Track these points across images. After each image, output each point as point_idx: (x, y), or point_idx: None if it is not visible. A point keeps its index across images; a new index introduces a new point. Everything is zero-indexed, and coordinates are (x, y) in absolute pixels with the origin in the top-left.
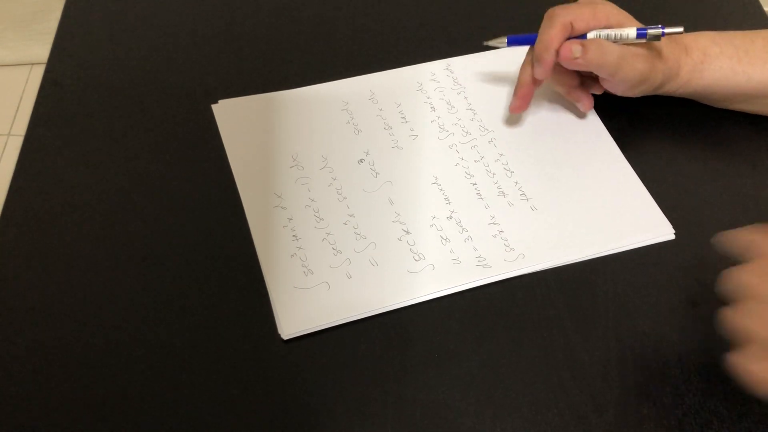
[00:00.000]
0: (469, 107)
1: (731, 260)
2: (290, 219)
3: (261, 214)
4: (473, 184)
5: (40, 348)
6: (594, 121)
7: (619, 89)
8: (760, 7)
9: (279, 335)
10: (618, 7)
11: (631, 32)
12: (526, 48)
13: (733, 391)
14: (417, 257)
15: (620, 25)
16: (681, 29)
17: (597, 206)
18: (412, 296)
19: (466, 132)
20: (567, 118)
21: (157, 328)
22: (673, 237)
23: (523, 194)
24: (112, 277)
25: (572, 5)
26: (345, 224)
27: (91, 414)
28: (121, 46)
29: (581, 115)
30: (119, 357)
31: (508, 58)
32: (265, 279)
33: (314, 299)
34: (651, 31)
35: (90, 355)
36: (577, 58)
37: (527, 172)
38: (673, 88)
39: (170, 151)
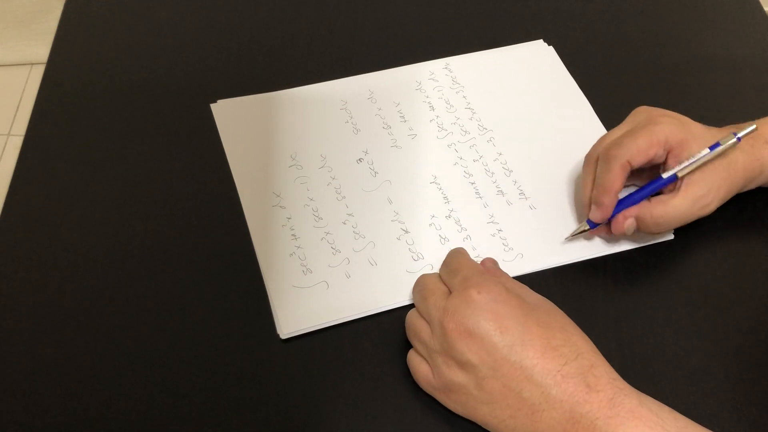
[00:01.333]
0: (468, 106)
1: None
2: (289, 218)
3: (260, 213)
4: (472, 183)
5: (40, 348)
6: (593, 120)
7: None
8: (760, 7)
9: (277, 334)
10: (678, 119)
11: (702, 154)
12: (528, 48)
13: (732, 391)
14: (416, 257)
15: (683, 143)
16: (753, 126)
17: None
18: (410, 296)
19: (465, 131)
20: (566, 117)
21: (156, 326)
22: (672, 237)
23: (521, 193)
24: (111, 277)
25: (626, 137)
26: (344, 223)
27: (90, 414)
28: (120, 46)
29: (580, 115)
30: (118, 356)
31: (506, 58)
32: (264, 278)
33: (313, 298)
34: (724, 143)
35: (89, 355)
36: (630, 234)
37: (526, 171)
38: (761, 182)
39: (169, 150)
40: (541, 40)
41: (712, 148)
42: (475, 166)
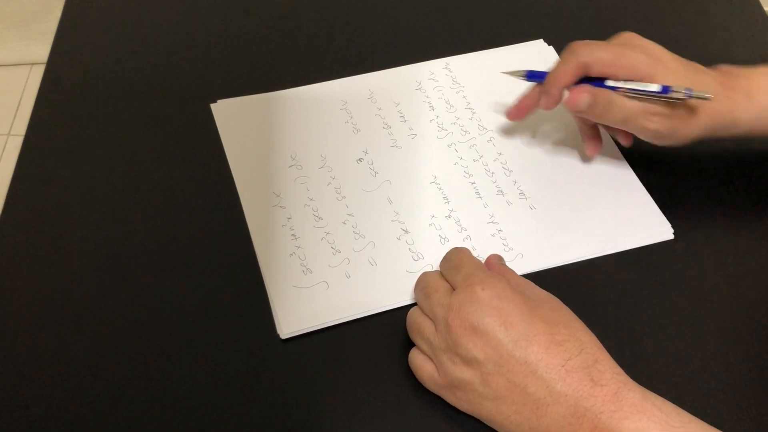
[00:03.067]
0: (468, 106)
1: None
2: (289, 218)
3: (260, 213)
4: (472, 183)
5: (40, 348)
6: None
7: (641, 136)
8: (760, 7)
9: (277, 334)
10: (652, 54)
11: (652, 87)
12: (528, 47)
13: (732, 391)
14: (416, 257)
15: (648, 77)
16: (710, 96)
17: (596, 206)
18: (410, 296)
19: (465, 131)
20: (566, 116)
21: (156, 326)
22: (672, 237)
23: (521, 193)
24: (111, 277)
25: (598, 44)
26: (344, 223)
27: (90, 414)
28: (120, 46)
29: None
30: (118, 356)
31: (507, 58)
32: (264, 278)
33: (313, 298)
34: (674, 93)
35: (89, 355)
36: (581, 110)
37: (526, 171)
38: (733, 134)
39: (169, 151)
40: (541, 40)
41: (664, 90)
42: (475, 166)
